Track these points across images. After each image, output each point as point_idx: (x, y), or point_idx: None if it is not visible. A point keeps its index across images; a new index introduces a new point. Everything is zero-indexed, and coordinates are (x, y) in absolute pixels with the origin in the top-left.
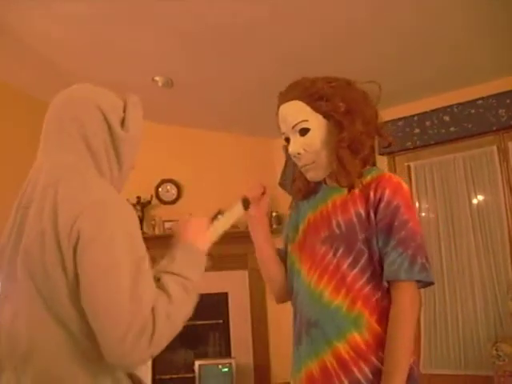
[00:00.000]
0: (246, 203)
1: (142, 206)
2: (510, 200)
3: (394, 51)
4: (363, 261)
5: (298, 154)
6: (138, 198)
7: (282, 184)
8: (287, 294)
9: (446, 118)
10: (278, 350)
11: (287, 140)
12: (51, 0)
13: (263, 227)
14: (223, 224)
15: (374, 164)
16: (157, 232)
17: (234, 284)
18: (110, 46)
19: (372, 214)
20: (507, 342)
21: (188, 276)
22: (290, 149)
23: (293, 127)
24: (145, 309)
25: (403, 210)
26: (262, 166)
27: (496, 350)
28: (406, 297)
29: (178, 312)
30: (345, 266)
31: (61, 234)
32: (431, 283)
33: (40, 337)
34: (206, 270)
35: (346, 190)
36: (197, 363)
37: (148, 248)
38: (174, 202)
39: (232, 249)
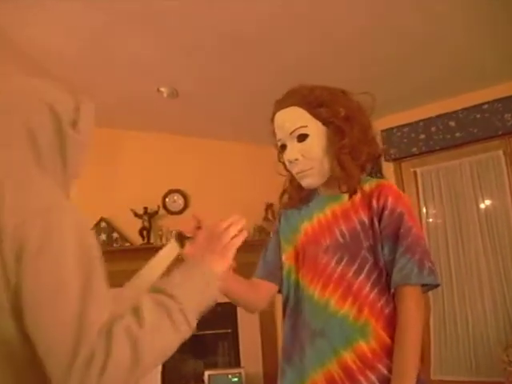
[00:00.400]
0: (181, 240)
1: (149, 216)
2: None
3: (396, 57)
4: (367, 268)
5: (296, 159)
6: (145, 208)
7: None
8: (253, 304)
9: (452, 123)
10: None
11: (283, 147)
12: (53, 13)
13: None
14: (154, 269)
15: (379, 171)
16: (164, 242)
17: None
18: (114, 57)
19: (376, 222)
20: None
21: (181, 299)
22: (287, 154)
23: (291, 133)
24: (92, 332)
25: (407, 217)
26: (268, 175)
27: (507, 355)
28: (412, 301)
29: (151, 339)
30: (350, 274)
31: (3, 238)
32: (437, 285)
33: None
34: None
35: (343, 199)
36: (206, 373)
37: None
38: (181, 212)
39: (240, 258)
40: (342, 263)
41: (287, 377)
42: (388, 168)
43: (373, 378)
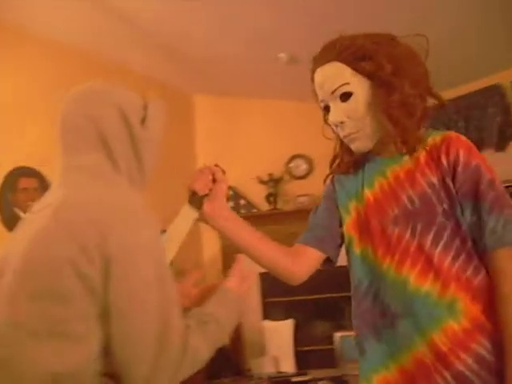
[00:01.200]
0: (197, 201)
1: (274, 182)
2: None
3: None
4: (446, 235)
5: (341, 122)
6: (270, 174)
7: None
8: (289, 273)
9: None
10: None
11: (326, 108)
12: None
13: (230, 222)
14: (173, 239)
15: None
16: (290, 207)
17: None
18: (234, 23)
19: (449, 181)
20: None
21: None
22: (331, 117)
23: (332, 92)
24: (175, 338)
25: (484, 169)
26: None
27: None
28: (511, 264)
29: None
30: (427, 245)
31: (90, 252)
32: None
33: None
34: None
35: (404, 159)
36: (337, 335)
37: (283, 223)
38: (305, 176)
39: None
40: (417, 233)
41: (374, 358)
42: None
43: (469, 360)
